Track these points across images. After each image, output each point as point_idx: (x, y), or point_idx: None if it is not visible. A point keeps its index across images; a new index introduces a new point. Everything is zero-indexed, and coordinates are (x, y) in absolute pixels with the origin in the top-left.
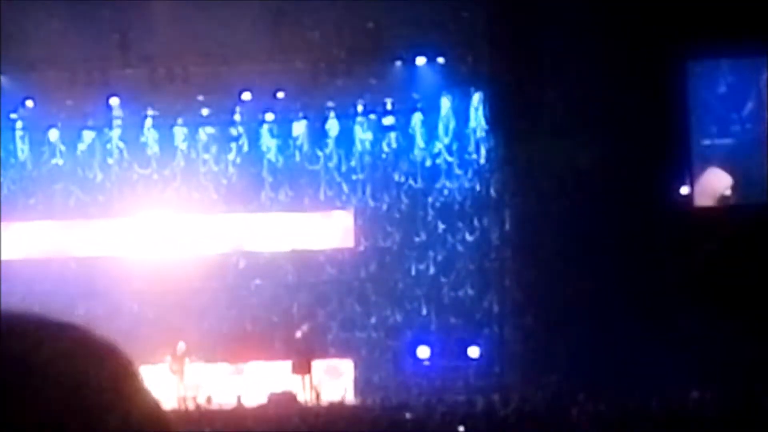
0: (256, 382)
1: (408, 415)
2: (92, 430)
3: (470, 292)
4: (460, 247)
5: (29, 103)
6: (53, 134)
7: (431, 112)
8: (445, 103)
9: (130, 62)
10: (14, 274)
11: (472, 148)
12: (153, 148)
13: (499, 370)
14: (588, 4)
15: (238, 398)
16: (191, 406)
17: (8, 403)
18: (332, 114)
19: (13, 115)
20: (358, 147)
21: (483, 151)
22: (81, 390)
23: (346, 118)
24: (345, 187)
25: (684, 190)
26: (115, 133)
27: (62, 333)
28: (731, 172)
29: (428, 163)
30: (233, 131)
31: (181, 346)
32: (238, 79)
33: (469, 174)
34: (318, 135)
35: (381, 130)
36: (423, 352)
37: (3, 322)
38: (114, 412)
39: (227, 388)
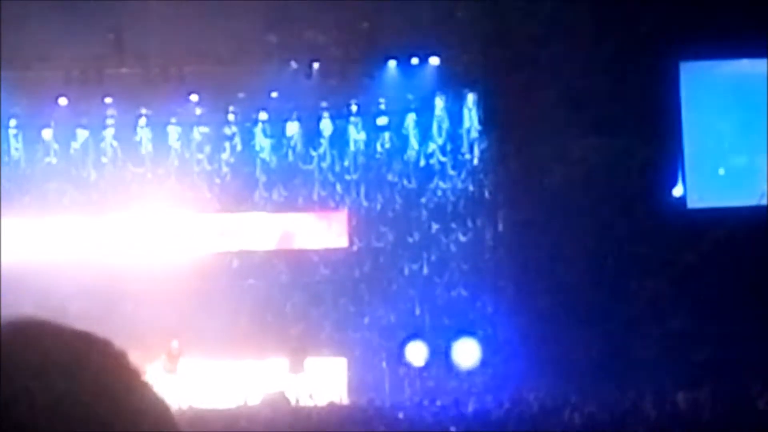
0: (249, 381)
1: (400, 415)
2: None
3: (464, 292)
4: (453, 248)
5: (23, 102)
6: (47, 133)
7: (425, 113)
8: (439, 103)
9: (125, 62)
10: (8, 273)
11: (465, 148)
12: (147, 147)
13: (493, 371)
14: (582, 4)
15: (232, 398)
16: (185, 406)
17: (19, 410)
18: (326, 114)
19: (7, 114)
20: (352, 147)
21: (477, 152)
22: (92, 396)
23: (340, 118)
24: (339, 187)
25: (677, 191)
26: (109, 132)
27: (71, 341)
28: (725, 174)
29: (422, 163)
30: (227, 131)
31: (175, 344)
32: (232, 78)
33: (463, 174)
34: (312, 135)
35: (375, 130)
36: (417, 352)
37: (9, 328)
38: (124, 416)
39: (221, 388)
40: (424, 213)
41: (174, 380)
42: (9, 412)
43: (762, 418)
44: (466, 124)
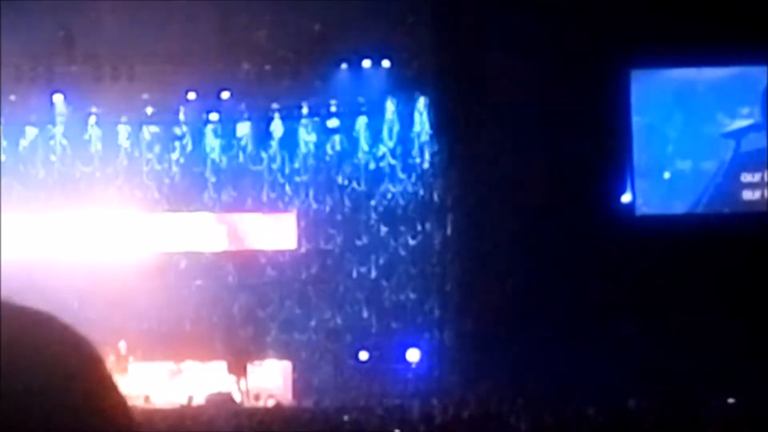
0: (195, 382)
1: (345, 418)
2: (62, 422)
3: (411, 296)
4: (402, 251)
5: None
6: None
7: (376, 116)
8: (390, 106)
9: (75, 59)
10: None
11: (415, 152)
12: (96, 146)
13: (439, 374)
14: (534, 10)
15: (177, 398)
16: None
17: None
18: (277, 115)
19: None
20: (302, 149)
21: (427, 155)
22: (53, 381)
23: (291, 120)
24: (288, 189)
25: (626, 198)
26: (59, 130)
27: (33, 322)
28: (672, 180)
29: (372, 166)
30: (177, 131)
31: (122, 345)
32: (183, 78)
33: (413, 178)
34: (262, 136)
35: (325, 133)
36: (363, 355)
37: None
38: (85, 405)
39: (166, 388)
40: (373, 216)
41: (122, 381)
42: None
43: (704, 424)
44: (417, 127)
